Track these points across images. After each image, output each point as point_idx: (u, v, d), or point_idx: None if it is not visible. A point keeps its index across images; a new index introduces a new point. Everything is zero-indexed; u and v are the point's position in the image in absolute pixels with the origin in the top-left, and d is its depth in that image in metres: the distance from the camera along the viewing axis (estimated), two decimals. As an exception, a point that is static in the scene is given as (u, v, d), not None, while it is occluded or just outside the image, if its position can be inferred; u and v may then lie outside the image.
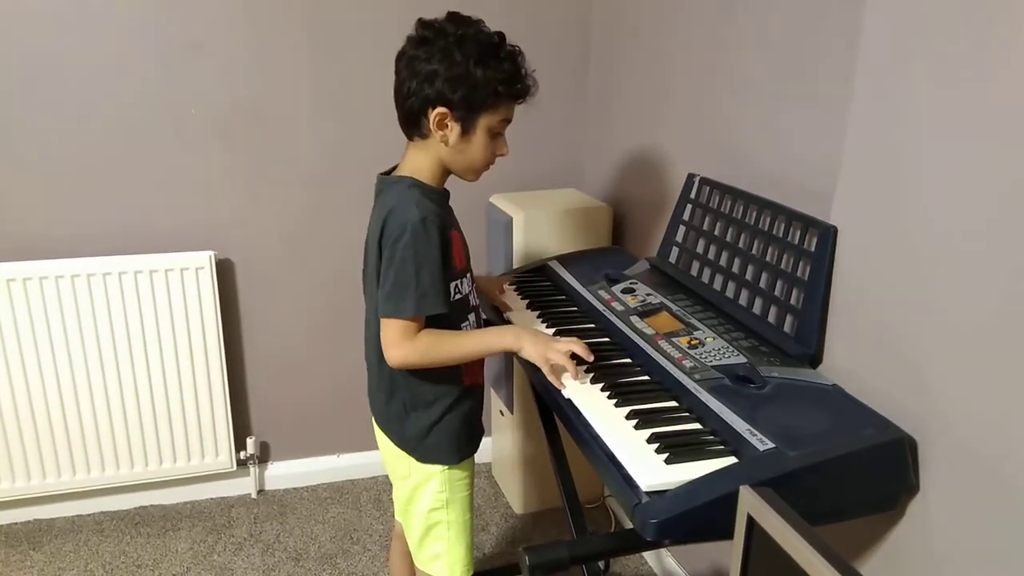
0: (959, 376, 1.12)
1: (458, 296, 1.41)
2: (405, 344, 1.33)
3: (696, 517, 1.05)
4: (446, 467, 1.46)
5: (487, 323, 1.69)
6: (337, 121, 2.27)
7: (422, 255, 1.30)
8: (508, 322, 1.67)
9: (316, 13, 2.17)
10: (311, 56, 2.20)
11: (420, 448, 1.45)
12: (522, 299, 1.77)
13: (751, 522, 0.85)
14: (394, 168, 1.44)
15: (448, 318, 1.37)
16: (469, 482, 1.51)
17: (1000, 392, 1.05)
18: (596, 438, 1.24)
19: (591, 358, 1.38)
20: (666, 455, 1.15)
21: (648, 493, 1.09)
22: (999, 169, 1.03)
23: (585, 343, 1.40)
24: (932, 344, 1.16)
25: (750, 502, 0.85)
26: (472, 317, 1.47)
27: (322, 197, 2.31)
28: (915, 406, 1.19)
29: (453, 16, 1.34)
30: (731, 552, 0.92)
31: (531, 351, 1.38)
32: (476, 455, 1.55)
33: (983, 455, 1.09)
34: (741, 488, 0.89)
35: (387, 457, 1.53)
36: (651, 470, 1.13)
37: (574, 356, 1.38)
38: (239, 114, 2.19)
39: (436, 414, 1.43)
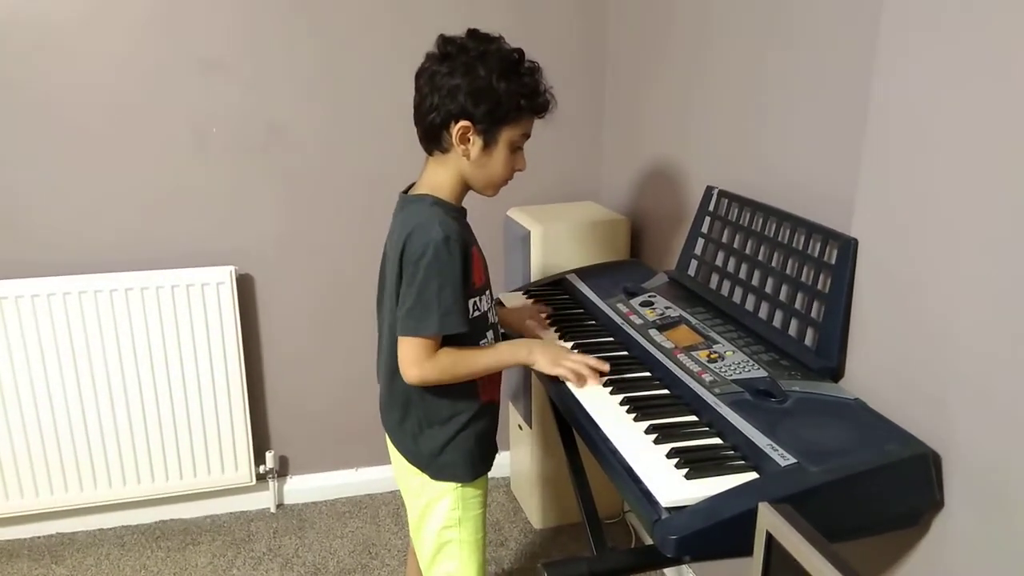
0: (983, 390, 1.10)
1: (476, 313, 1.40)
2: (425, 363, 1.34)
3: (717, 533, 1.04)
4: (459, 485, 1.45)
5: (505, 338, 1.68)
6: (356, 138, 2.28)
7: (445, 274, 1.30)
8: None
9: (338, 31, 2.19)
10: (331, 73, 2.22)
11: (433, 465, 1.44)
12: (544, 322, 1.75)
13: (770, 539, 0.84)
14: (412, 185, 1.44)
15: (468, 336, 1.37)
16: (482, 500, 1.50)
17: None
18: (615, 453, 1.23)
19: (606, 368, 1.41)
20: (686, 470, 1.14)
21: (668, 509, 1.08)
22: (1022, 177, 1.02)
23: (600, 357, 1.40)
24: (955, 358, 1.14)
25: (769, 519, 0.84)
26: (490, 335, 1.46)
27: (342, 213, 2.33)
28: (939, 421, 1.17)
29: (474, 33, 1.35)
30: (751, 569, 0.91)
31: (543, 363, 1.41)
32: (495, 469, 1.54)
33: (1008, 470, 1.07)
34: (760, 505, 0.88)
35: (400, 474, 1.52)
36: (671, 485, 1.11)
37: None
38: (260, 131, 2.22)
39: (451, 431, 1.43)
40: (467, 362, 1.38)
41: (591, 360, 1.41)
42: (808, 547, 0.75)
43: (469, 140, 1.33)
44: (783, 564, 0.79)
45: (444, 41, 1.34)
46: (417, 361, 1.34)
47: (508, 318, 1.70)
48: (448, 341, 1.36)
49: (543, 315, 1.74)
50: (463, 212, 1.43)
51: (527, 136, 1.39)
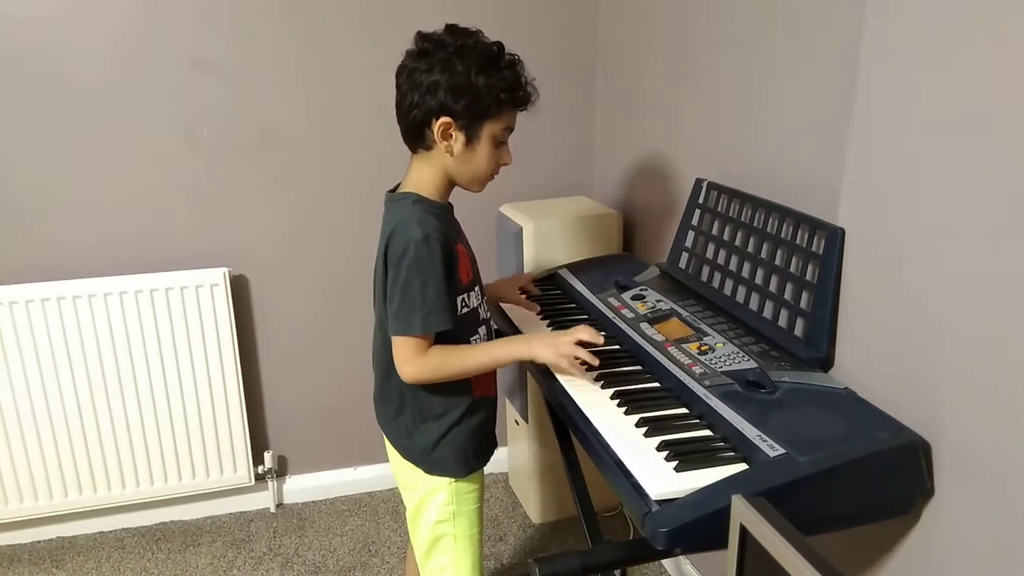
0: (971, 377, 1.10)
1: (466, 310, 1.41)
2: (417, 361, 1.34)
3: (706, 525, 1.04)
4: (453, 480, 1.45)
5: (499, 333, 1.69)
6: (349, 138, 2.28)
7: (426, 273, 1.31)
8: (519, 332, 1.67)
9: (330, 32, 2.19)
10: (323, 73, 2.22)
11: (427, 460, 1.45)
12: (533, 302, 1.76)
13: (744, 532, 0.84)
14: (399, 185, 1.44)
15: (456, 333, 1.38)
16: (477, 496, 1.51)
17: (1013, 393, 1.04)
18: (606, 447, 1.23)
19: (600, 340, 1.37)
20: (676, 463, 1.14)
21: (658, 501, 1.08)
22: (1008, 166, 1.02)
23: (591, 352, 1.39)
24: (944, 345, 1.14)
25: (743, 512, 0.84)
26: (482, 330, 1.47)
27: (335, 212, 2.33)
28: (928, 409, 1.18)
29: (451, 28, 1.35)
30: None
31: (543, 353, 1.38)
32: (493, 465, 1.54)
33: (998, 457, 1.07)
34: (733, 498, 0.89)
35: (396, 468, 1.53)
36: (661, 478, 1.12)
37: (586, 346, 1.38)
38: (252, 131, 2.21)
39: (444, 427, 1.43)
40: (462, 359, 1.38)
41: (585, 333, 1.37)
42: (780, 540, 0.76)
43: (451, 136, 1.33)
44: (757, 557, 0.80)
45: (422, 37, 1.33)
46: (409, 359, 1.34)
47: (500, 291, 1.70)
48: (438, 339, 1.36)
49: (531, 284, 1.78)
50: (449, 209, 1.43)
51: (510, 130, 1.38)
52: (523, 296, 1.76)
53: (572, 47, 2.38)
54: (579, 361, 1.38)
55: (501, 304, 1.78)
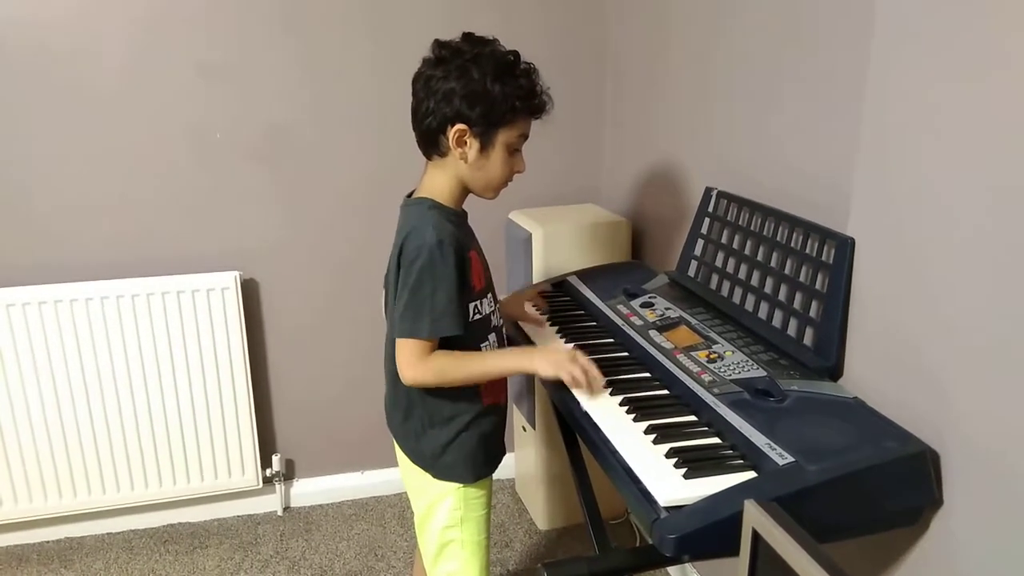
0: (981, 387, 1.10)
1: (477, 316, 1.41)
2: (419, 364, 1.34)
3: (715, 532, 1.05)
4: (462, 485, 1.46)
5: (511, 341, 1.69)
6: (361, 142, 2.30)
7: (439, 277, 1.31)
8: (530, 342, 1.67)
9: (342, 37, 2.21)
10: (334, 78, 2.24)
11: (436, 465, 1.45)
12: (541, 314, 1.77)
13: (756, 536, 0.84)
14: (414, 191, 1.45)
15: (464, 339, 1.38)
16: (486, 502, 1.51)
17: (1023, 403, 1.04)
18: (614, 453, 1.23)
19: (601, 381, 1.40)
20: (684, 470, 1.15)
21: (667, 508, 1.09)
22: (1018, 176, 1.02)
23: (600, 358, 1.40)
24: (953, 355, 1.15)
25: (755, 516, 0.84)
26: (493, 337, 1.47)
27: (346, 216, 2.34)
28: (937, 418, 1.18)
29: (468, 36, 1.36)
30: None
31: (545, 368, 1.39)
32: (499, 470, 1.55)
33: (1007, 467, 1.07)
34: (746, 502, 0.89)
35: (405, 473, 1.53)
36: (669, 485, 1.12)
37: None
38: (263, 135, 2.23)
39: (453, 432, 1.43)
40: (464, 366, 1.38)
41: (592, 369, 1.38)
42: (793, 544, 0.76)
43: (466, 143, 1.34)
44: (770, 562, 0.80)
45: (439, 45, 1.34)
46: (411, 363, 1.35)
47: (505, 308, 1.71)
48: (446, 344, 1.37)
49: (538, 296, 1.77)
50: (463, 216, 1.44)
51: (525, 137, 1.39)
52: (532, 307, 1.77)
53: (582, 55, 2.39)
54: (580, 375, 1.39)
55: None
